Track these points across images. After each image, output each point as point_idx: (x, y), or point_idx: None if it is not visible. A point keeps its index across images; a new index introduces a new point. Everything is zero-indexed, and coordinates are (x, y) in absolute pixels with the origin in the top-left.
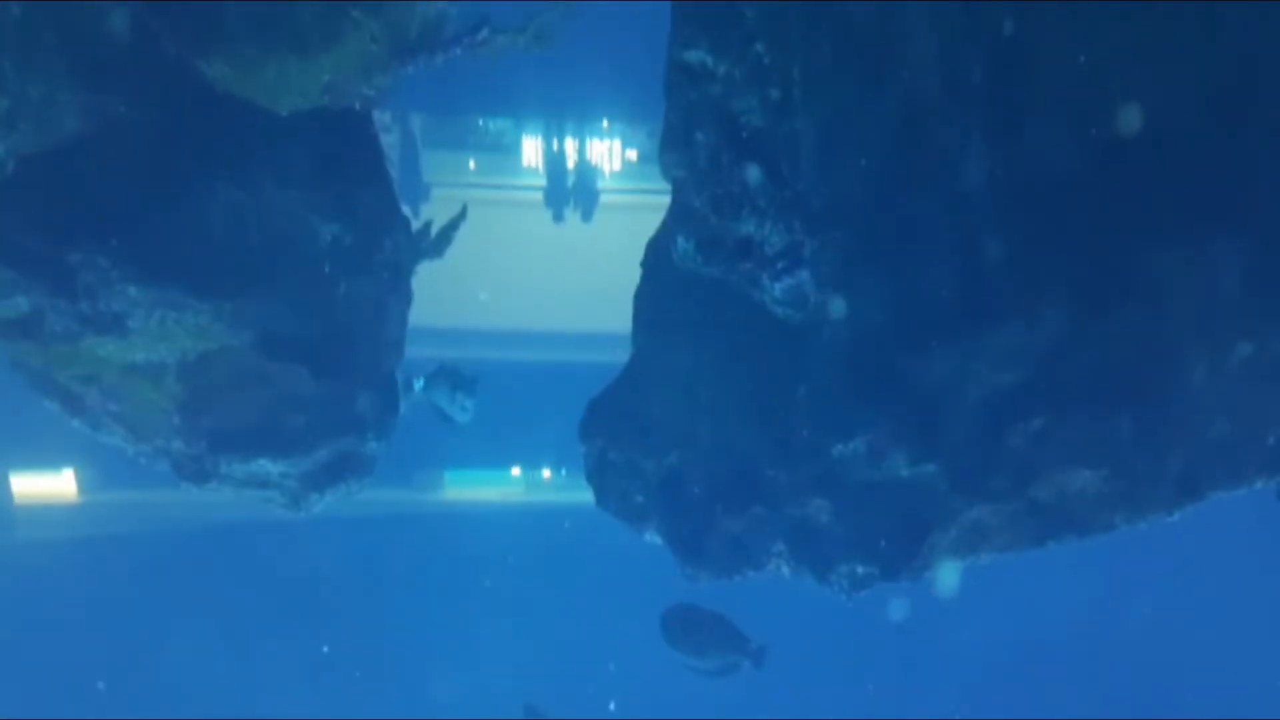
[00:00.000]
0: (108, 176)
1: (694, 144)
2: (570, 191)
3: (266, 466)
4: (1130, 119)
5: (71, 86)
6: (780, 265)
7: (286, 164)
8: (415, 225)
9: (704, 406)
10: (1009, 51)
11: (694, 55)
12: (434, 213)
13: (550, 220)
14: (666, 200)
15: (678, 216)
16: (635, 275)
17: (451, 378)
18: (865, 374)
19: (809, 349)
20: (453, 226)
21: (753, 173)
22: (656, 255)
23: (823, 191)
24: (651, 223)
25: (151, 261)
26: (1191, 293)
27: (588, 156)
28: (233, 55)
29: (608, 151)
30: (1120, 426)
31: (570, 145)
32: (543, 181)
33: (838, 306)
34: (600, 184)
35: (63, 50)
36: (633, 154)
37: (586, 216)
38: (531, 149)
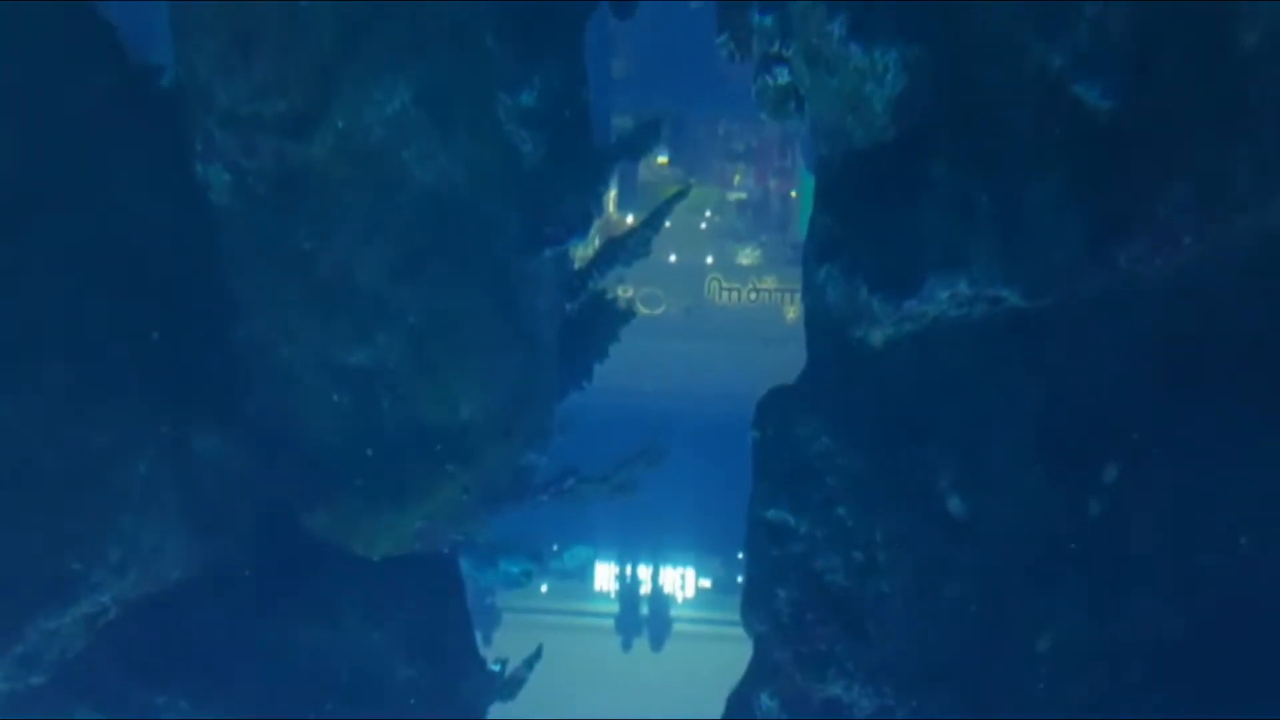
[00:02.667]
0: (202, 620)
1: (776, 600)
2: (643, 620)
3: None
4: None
5: (182, 534)
6: None
7: (372, 604)
8: (488, 653)
9: None
10: (1097, 523)
11: (775, 514)
12: (505, 639)
13: (619, 648)
14: (737, 631)
15: (760, 672)
16: (704, 708)
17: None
18: None
19: None
20: (526, 666)
21: (838, 633)
22: (739, 709)
23: (912, 656)
24: (722, 653)
25: (231, 701)
26: None
27: (660, 584)
28: (334, 505)
29: (680, 579)
30: None
31: (644, 572)
32: (614, 607)
33: None
34: (673, 611)
35: (180, 501)
36: (706, 583)
37: (656, 646)
38: (605, 574)
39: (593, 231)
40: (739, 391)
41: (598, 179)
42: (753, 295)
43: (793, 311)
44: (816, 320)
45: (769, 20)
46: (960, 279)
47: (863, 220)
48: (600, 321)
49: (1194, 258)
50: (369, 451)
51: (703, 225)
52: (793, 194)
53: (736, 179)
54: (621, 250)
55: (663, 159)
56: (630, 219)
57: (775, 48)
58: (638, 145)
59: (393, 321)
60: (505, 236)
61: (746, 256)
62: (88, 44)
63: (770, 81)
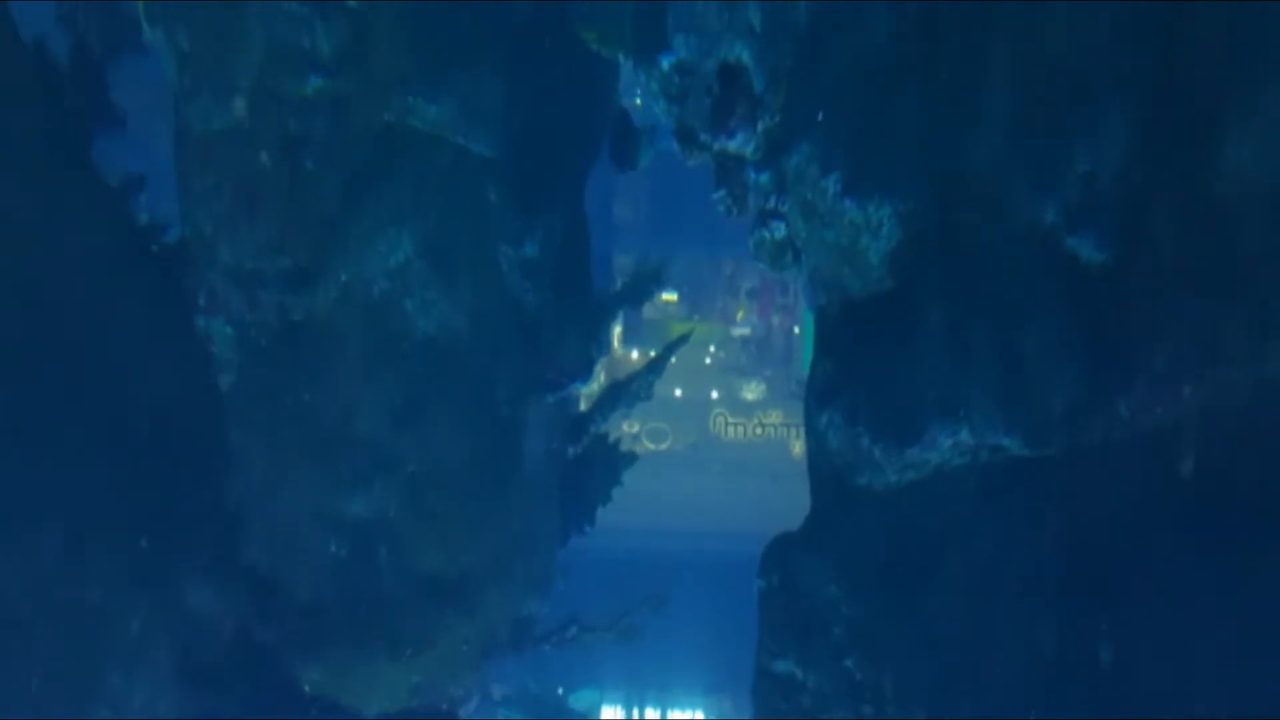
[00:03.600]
0: None
1: None
2: None
3: None
4: None
5: (174, 690)
6: None
7: None
8: None
9: None
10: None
11: (783, 666)
12: None
13: None
14: None
15: None
16: None
17: None
18: None
19: None
20: None
21: None
22: None
23: None
24: None
25: None
26: None
27: None
28: (328, 659)
29: None
30: None
31: (651, 715)
32: None
33: None
34: None
35: (172, 657)
36: None
37: None
38: (612, 717)
39: (597, 369)
40: (747, 530)
41: (598, 326)
42: (758, 430)
43: (798, 446)
44: (819, 466)
45: (765, 177)
46: (961, 427)
47: (862, 368)
48: (603, 464)
49: (1195, 407)
50: (365, 602)
51: (708, 360)
52: (796, 330)
53: (740, 315)
54: (624, 394)
55: (668, 295)
56: (635, 355)
57: (771, 203)
58: (638, 293)
59: (392, 469)
60: (506, 383)
61: (751, 391)
62: (92, 205)
63: (768, 235)
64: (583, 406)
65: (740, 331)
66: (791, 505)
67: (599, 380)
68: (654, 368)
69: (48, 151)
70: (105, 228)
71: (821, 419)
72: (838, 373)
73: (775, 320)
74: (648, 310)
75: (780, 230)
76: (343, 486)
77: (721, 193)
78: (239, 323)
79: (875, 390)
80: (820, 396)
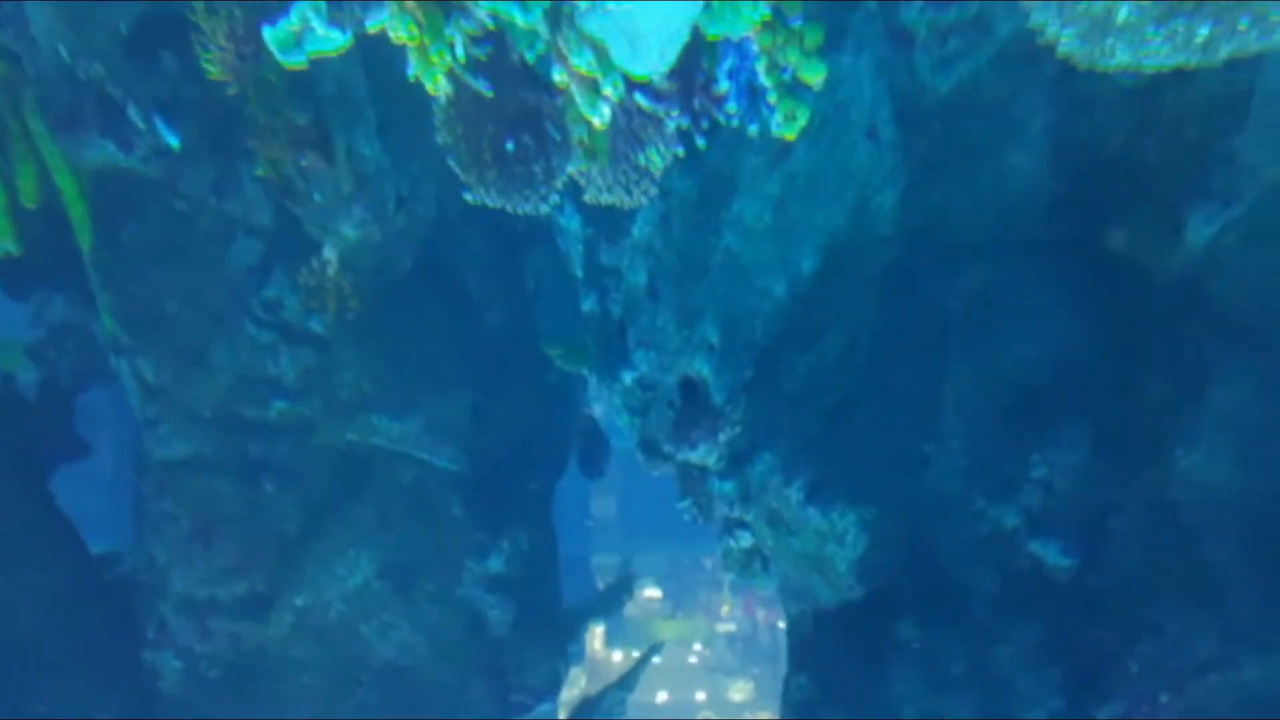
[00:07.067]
0: None
1: None
2: None
3: None
4: None
5: None
6: None
7: None
8: None
9: None
10: None
11: None
12: None
13: None
14: None
15: None
16: None
17: None
18: None
19: None
20: None
21: None
22: None
23: None
24: None
25: None
26: None
27: None
28: None
29: None
30: None
31: None
32: None
33: None
34: None
35: None
36: None
37: None
38: None
39: (583, 667)
40: None
41: (567, 640)
42: None
43: None
44: None
45: (729, 486)
46: None
47: (838, 683)
48: None
49: (1174, 714)
50: None
51: (692, 659)
52: (781, 625)
53: (725, 610)
54: (595, 712)
55: (651, 592)
56: (618, 656)
57: (736, 512)
58: (609, 605)
59: None
60: (470, 707)
61: (739, 691)
62: (44, 536)
63: (734, 545)
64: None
65: (725, 628)
66: None
67: (580, 686)
68: (625, 683)
69: (2, 481)
70: (56, 560)
71: None
72: (813, 687)
73: (760, 615)
74: (630, 608)
75: (746, 539)
76: None
77: (687, 502)
78: (188, 656)
79: (851, 706)
80: (797, 712)
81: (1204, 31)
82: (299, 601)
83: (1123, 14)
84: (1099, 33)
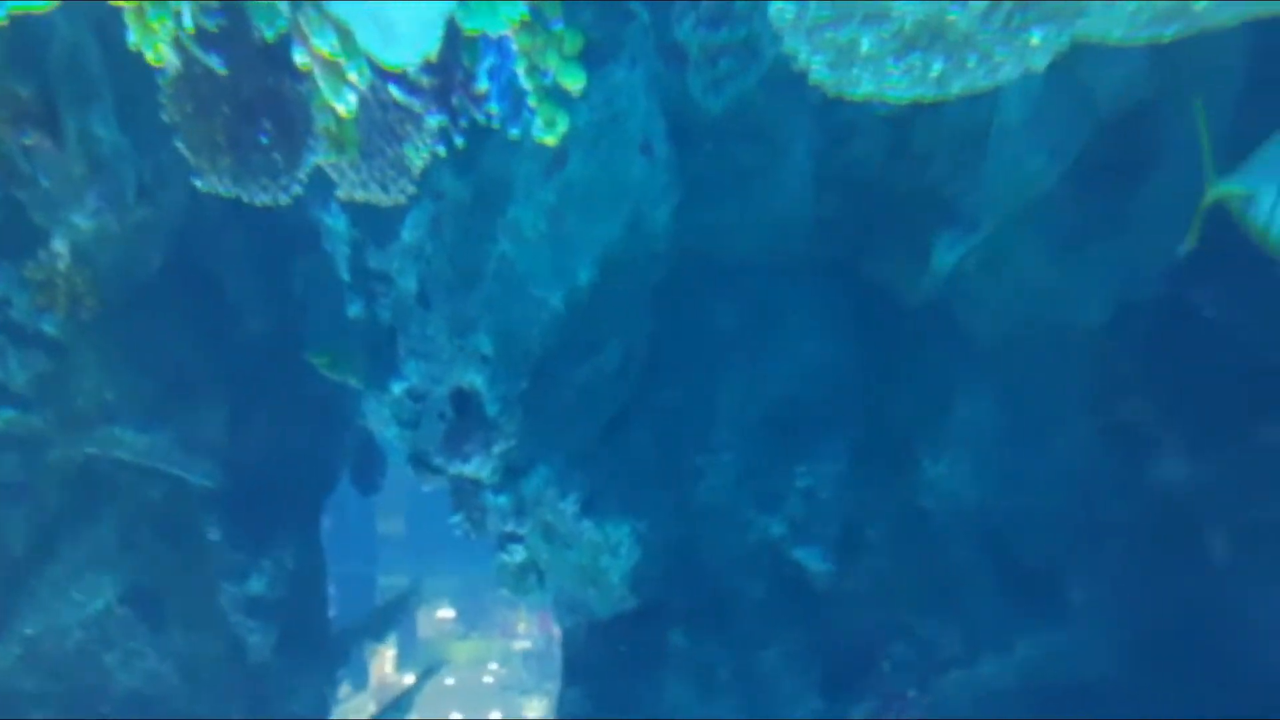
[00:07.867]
0: None
1: None
2: None
3: None
4: None
5: None
6: None
7: None
8: None
9: None
10: None
11: None
12: None
13: None
14: None
15: None
16: None
17: None
18: None
19: None
20: None
21: None
22: None
23: None
24: None
25: None
26: None
27: None
28: None
29: None
30: None
31: None
32: None
33: None
34: None
35: None
36: None
37: None
38: None
39: (368, 692)
40: None
41: (335, 664)
42: None
43: None
44: None
45: (503, 500)
46: None
47: (609, 693)
48: None
49: (921, 710)
50: None
51: (488, 679)
52: None
53: (521, 627)
54: None
55: (445, 612)
56: (410, 679)
57: (510, 526)
58: (384, 624)
59: None
60: None
61: (534, 709)
62: None
63: (508, 560)
64: None
65: (522, 645)
66: None
67: (368, 712)
68: (398, 705)
69: None
70: None
71: None
72: (585, 700)
73: (555, 631)
74: (424, 629)
75: (520, 553)
76: None
77: (459, 516)
78: None
79: (624, 716)
80: None
81: (937, 67)
82: (29, 630)
83: (865, 45)
84: (845, 62)
